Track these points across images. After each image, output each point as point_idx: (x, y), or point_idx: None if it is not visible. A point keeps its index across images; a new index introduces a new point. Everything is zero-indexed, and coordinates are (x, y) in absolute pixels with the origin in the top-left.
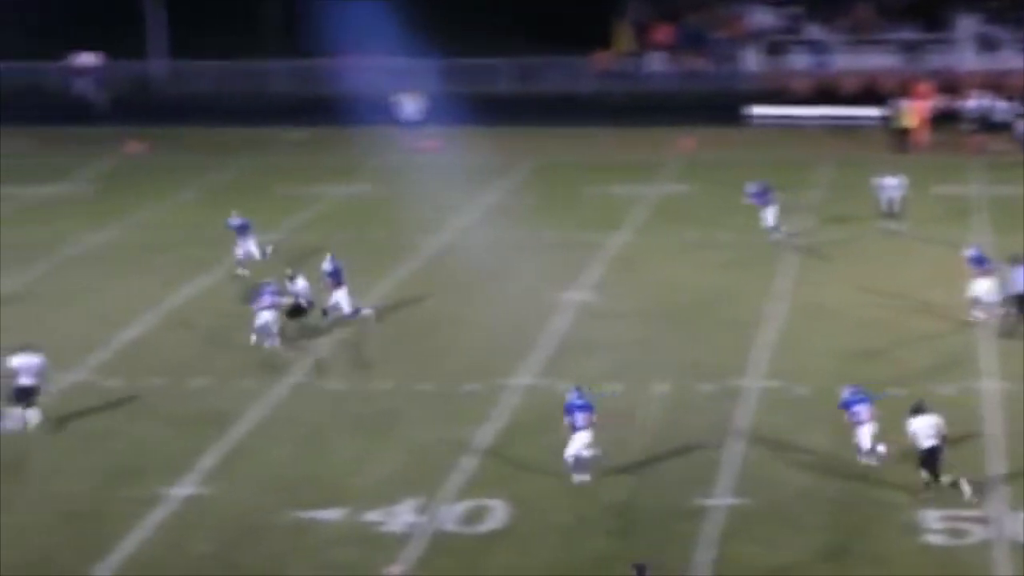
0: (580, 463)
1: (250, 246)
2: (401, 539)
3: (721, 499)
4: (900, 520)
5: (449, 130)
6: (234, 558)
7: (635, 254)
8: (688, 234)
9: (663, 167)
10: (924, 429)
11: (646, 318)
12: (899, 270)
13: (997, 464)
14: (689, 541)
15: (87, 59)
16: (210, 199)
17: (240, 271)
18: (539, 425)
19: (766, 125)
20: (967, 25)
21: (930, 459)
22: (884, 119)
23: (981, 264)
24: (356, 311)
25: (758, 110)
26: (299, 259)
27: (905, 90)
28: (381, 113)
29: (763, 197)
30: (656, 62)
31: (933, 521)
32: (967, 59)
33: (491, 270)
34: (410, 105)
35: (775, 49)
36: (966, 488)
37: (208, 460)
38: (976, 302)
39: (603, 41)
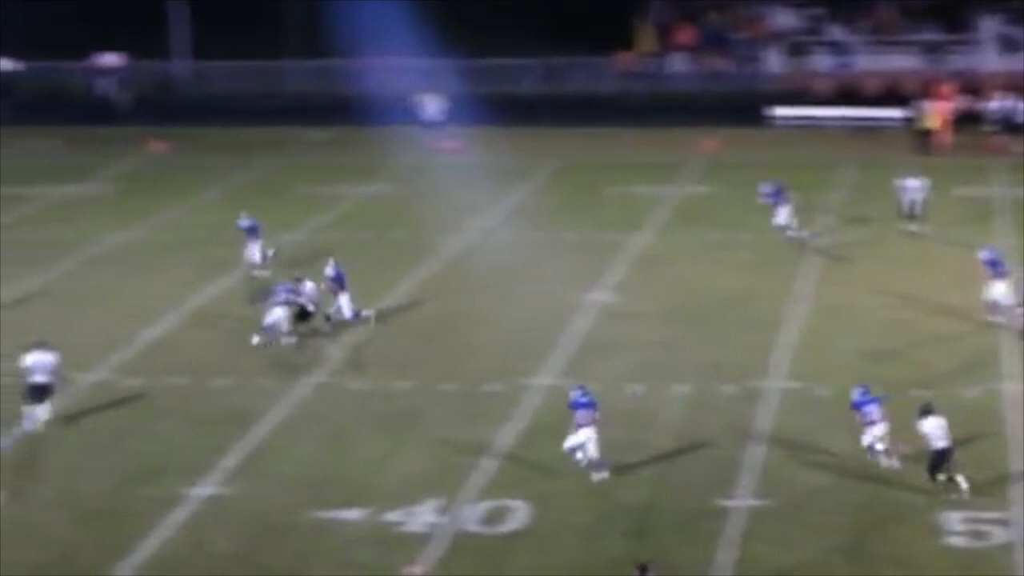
0: (596, 463)
1: (255, 249)
2: (422, 539)
3: (742, 500)
4: (921, 522)
5: (471, 130)
6: (255, 558)
7: (657, 255)
8: (710, 235)
9: (685, 168)
10: (935, 430)
11: (667, 319)
12: (921, 272)
13: (1019, 465)
14: (710, 542)
15: (110, 59)
16: (232, 199)
17: (257, 272)
18: (560, 426)
19: (788, 126)
20: (989, 26)
21: (941, 460)
22: (906, 120)
23: (996, 267)
24: (356, 314)
25: (780, 111)
26: (303, 262)
27: (927, 91)
28: (403, 113)
29: (777, 197)
30: (678, 63)
31: (954, 523)
32: (989, 60)
33: (513, 270)
34: (432, 105)
35: (797, 50)
36: (964, 485)
37: (230, 460)
38: (992, 305)
39: (625, 42)
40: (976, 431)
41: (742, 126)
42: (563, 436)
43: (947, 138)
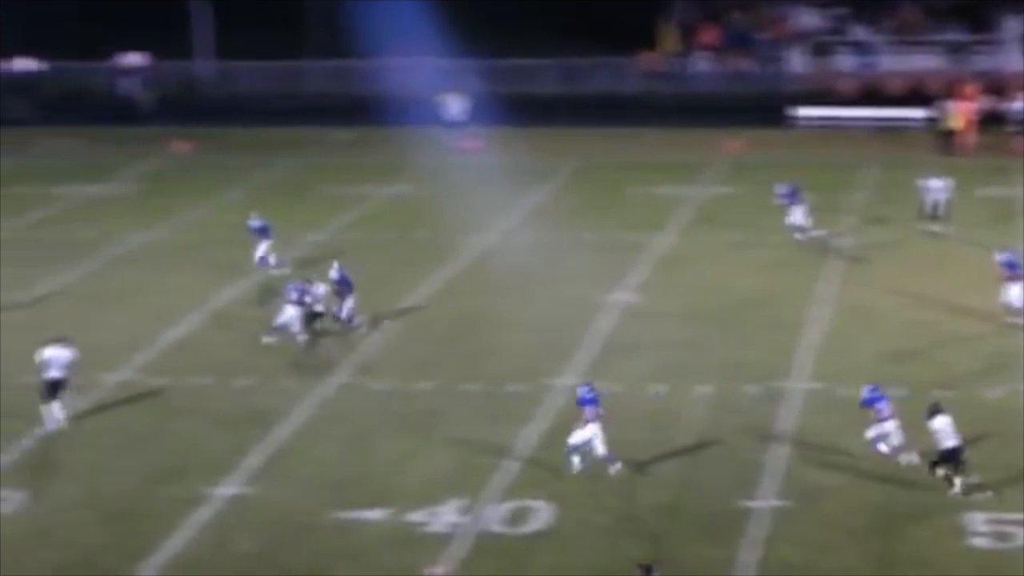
0: (606, 457)
1: (262, 250)
2: (444, 540)
3: (764, 501)
4: (944, 523)
5: (493, 130)
6: (278, 558)
7: (679, 255)
8: (732, 235)
9: (708, 168)
10: (945, 429)
11: (690, 319)
12: (943, 273)
13: None
14: (732, 543)
15: (133, 59)
16: (256, 199)
17: (276, 270)
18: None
19: (811, 126)
20: (1014, 26)
21: (950, 458)
22: (930, 121)
23: (1014, 268)
24: (350, 319)
25: (803, 111)
26: (318, 263)
27: (951, 91)
28: (426, 113)
29: (792, 198)
30: (701, 63)
31: (978, 524)
32: (1013, 60)
33: (535, 271)
34: (455, 105)
35: (821, 50)
36: (958, 488)
37: (252, 460)
38: (1009, 307)
39: (648, 42)
40: (999, 431)
41: (765, 127)
42: None
43: (971, 138)
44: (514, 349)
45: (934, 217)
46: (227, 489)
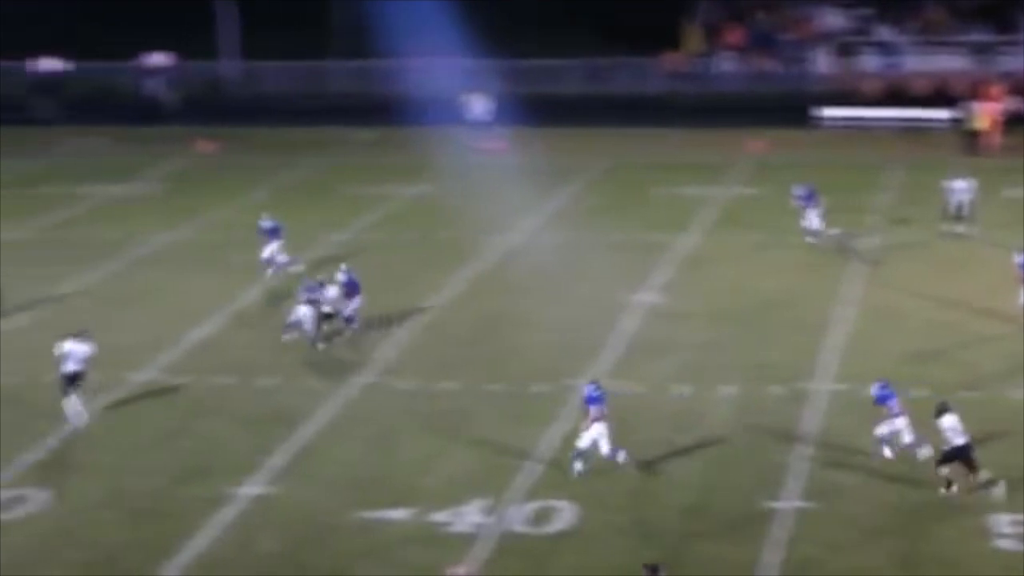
0: (614, 451)
1: (269, 250)
2: (468, 540)
3: (789, 502)
4: (969, 524)
5: (517, 131)
6: (302, 558)
7: (704, 256)
8: (756, 236)
9: (732, 169)
10: (954, 427)
11: (714, 320)
12: (967, 274)
13: None
14: (756, 543)
15: (159, 59)
16: (280, 199)
17: (294, 268)
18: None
19: (836, 127)
20: None
21: (958, 456)
22: (954, 121)
23: None
24: (350, 319)
25: (828, 112)
26: (332, 265)
27: (976, 92)
28: (449, 114)
29: (809, 200)
30: (726, 63)
31: (1003, 525)
32: None
33: (559, 271)
34: (478, 106)
35: (845, 50)
36: (954, 489)
37: (276, 460)
38: None
39: (673, 42)
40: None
41: (790, 127)
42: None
43: (995, 139)
44: (537, 349)
45: (958, 218)
46: (251, 489)
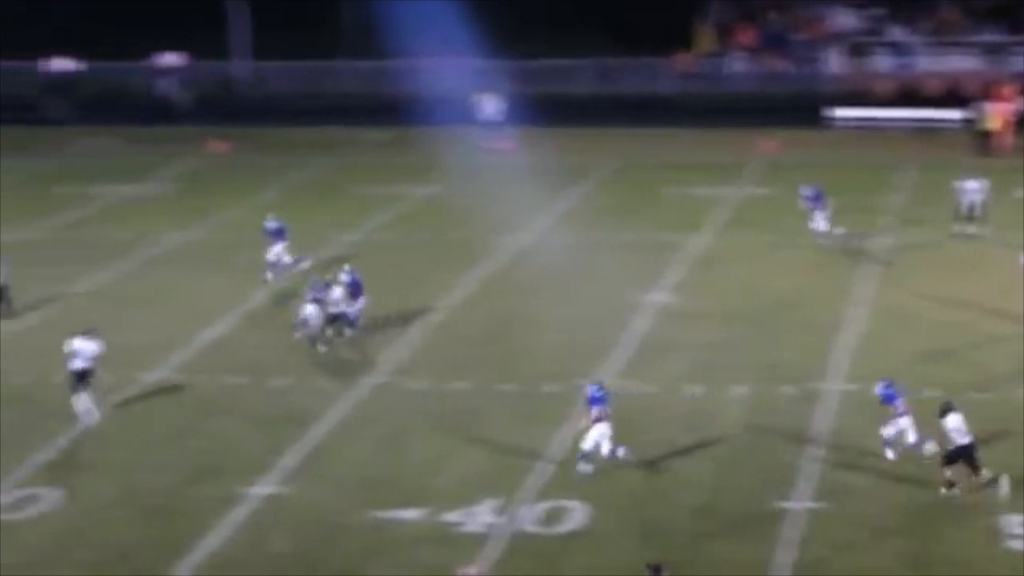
0: (614, 449)
1: (274, 251)
2: (480, 539)
3: (800, 502)
4: (980, 525)
5: (528, 131)
6: (313, 557)
7: (715, 256)
8: (768, 236)
9: (744, 169)
10: (958, 427)
11: (726, 320)
12: (979, 274)
13: None
14: (768, 544)
15: (171, 59)
16: (291, 199)
17: (301, 266)
18: (618, 426)
19: (848, 127)
20: None
21: (962, 455)
22: (967, 122)
23: None
24: (352, 320)
25: (840, 112)
26: (327, 268)
27: (988, 92)
28: (460, 114)
29: (816, 201)
30: (738, 63)
31: (1014, 526)
32: None
33: (570, 271)
34: (490, 106)
35: (857, 51)
36: (956, 491)
37: (288, 459)
38: None
39: (684, 42)
40: None
41: (802, 127)
42: (621, 437)
43: (1008, 140)
44: (548, 350)
45: (970, 219)
46: (262, 488)
